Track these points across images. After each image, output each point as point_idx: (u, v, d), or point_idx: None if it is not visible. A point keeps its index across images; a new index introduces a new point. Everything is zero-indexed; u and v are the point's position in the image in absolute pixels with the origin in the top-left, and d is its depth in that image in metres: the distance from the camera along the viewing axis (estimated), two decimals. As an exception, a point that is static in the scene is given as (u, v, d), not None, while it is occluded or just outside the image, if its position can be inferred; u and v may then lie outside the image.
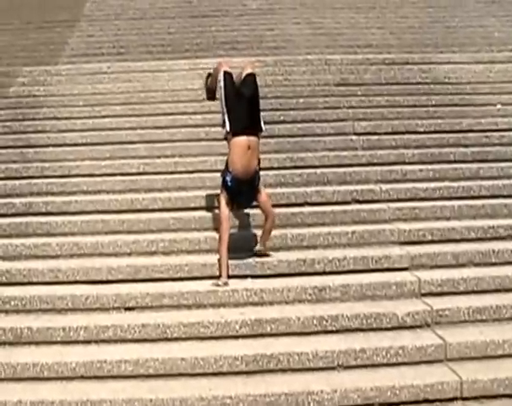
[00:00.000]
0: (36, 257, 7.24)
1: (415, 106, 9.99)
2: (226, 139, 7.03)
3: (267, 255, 7.06)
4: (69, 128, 9.62)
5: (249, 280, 6.81)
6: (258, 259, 7.01)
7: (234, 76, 7.19)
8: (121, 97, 10.30)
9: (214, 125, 8.76)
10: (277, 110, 9.75)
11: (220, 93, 7.05)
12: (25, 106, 10.28)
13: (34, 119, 9.90)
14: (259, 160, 6.99)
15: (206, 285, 6.66)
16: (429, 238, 7.42)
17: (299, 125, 9.46)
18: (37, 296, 6.54)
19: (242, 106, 6.91)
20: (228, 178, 6.75)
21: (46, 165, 8.81)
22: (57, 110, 10.06)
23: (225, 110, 6.92)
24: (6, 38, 14.33)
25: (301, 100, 10.03)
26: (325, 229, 7.49)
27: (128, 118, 9.73)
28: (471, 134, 9.35)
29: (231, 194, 6.77)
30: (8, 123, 9.79)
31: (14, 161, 8.95)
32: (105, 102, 10.18)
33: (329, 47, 12.99)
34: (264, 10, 15.51)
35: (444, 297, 6.61)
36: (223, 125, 6.97)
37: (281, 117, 9.59)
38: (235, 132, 6.82)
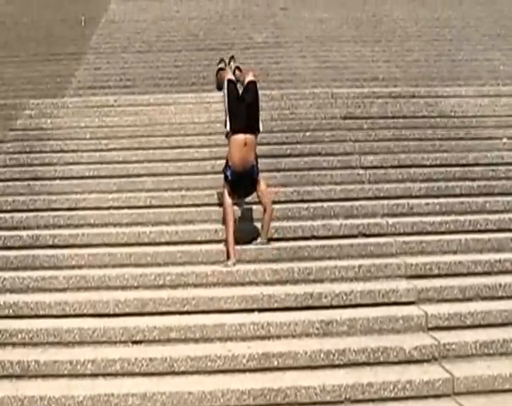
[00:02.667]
0: (43, 290, 7.23)
1: (421, 139, 10.05)
2: (227, 136, 7.91)
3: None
4: (76, 161, 9.68)
5: (256, 313, 6.82)
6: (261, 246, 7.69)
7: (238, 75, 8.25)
8: (128, 130, 10.36)
9: (220, 158, 8.78)
10: (283, 144, 9.83)
11: (224, 98, 7.93)
12: (32, 138, 10.33)
13: (41, 152, 9.95)
14: (256, 155, 7.80)
15: (213, 319, 6.66)
16: (436, 271, 7.42)
17: (306, 159, 9.51)
18: (44, 329, 6.55)
19: (243, 109, 7.77)
20: (228, 172, 7.59)
21: (53, 198, 8.85)
22: (64, 143, 10.12)
23: (227, 112, 7.82)
24: (13, 70, 14.51)
25: (307, 133, 10.09)
26: (332, 263, 7.50)
27: (134, 151, 9.79)
28: (477, 168, 9.38)
29: (232, 185, 7.57)
30: (15, 156, 9.85)
31: (21, 194, 9.00)
32: (112, 135, 10.24)
33: (335, 81, 13.14)
34: (270, 43, 15.72)
35: (451, 331, 6.60)
36: (225, 125, 7.86)
37: (288, 151, 9.66)
38: (234, 130, 7.68)
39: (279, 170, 9.26)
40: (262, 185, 7.77)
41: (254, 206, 8.30)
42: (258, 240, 7.82)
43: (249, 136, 7.68)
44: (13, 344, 6.48)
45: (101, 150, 9.87)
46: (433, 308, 6.83)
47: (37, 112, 11.06)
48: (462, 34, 16.46)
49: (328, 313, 6.78)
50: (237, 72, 8.64)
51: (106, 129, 10.41)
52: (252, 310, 6.86)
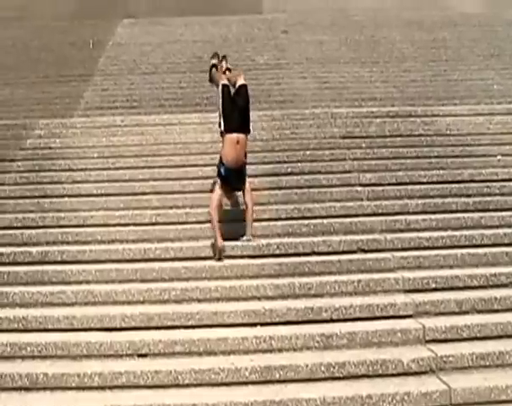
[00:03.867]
0: (52, 305, 7.35)
1: (418, 157, 10.20)
2: (221, 136, 8.42)
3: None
4: (84, 180, 9.86)
5: (258, 327, 6.95)
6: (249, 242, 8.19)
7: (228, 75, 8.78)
8: (134, 150, 10.54)
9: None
10: (284, 162, 10.02)
11: (218, 101, 8.48)
12: (42, 157, 10.51)
13: (50, 170, 10.13)
14: (246, 154, 8.40)
15: (217, 333, 6.79)
16: (433, 286, 7.51)
17: (306, 177, 9.68)
18: (53, 342, 6.66)
19: (235, 111, 8.33)
20: (222, 169, 8.18)
21: (62, 215, 9.01)
22: (73, 162, 10.29)
23: (221, 114, 8.36)
24: (23, 91, 14.69)
25: (307, 152, 10.26)
26: (332, 278, 7.62)
27: (141, 170, 9.96)
28: (472, 185, 9.53)
29: (224, 180, 8.17)
30: (25, 174, 10.04)
31: (31, 211, 9.16)
32: (118, 154, 10.42)
33: (334, 101, 13.28)
34: (271, 65, 15.88)
35: (448, 343, 6.69)
36: (219, 125, 8.41)
37: (289, 169, 9.84)
38: (227, 130, 8.24)
39: (280, 188, 9.45)
40: (247, 184, 8.33)
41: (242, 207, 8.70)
42: (244, 238, 8.27)
43: (241, 135, 8.26)
44: (23, 357, 6.60)
45: (109, 169, 10.05)
46: (430, 321, 6.93)
47: (46, 132, 11.26)
48: (457, 54, 16.59)
49: (328, 327, 6.89)
50: (228, 73, 8.98)
51: (113, 149, 10.59)
52: (254, 325, 6.98)
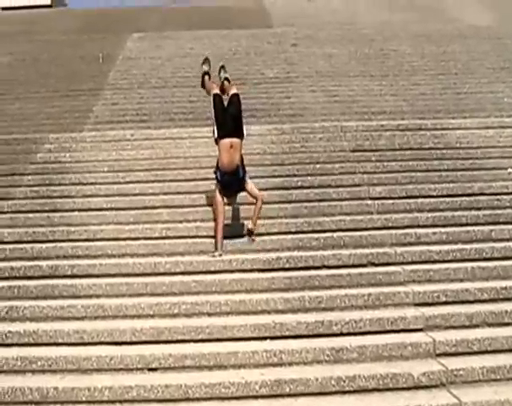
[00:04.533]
0: (62, 319, 7.36)
1: (428, 170, 10.23)
2: (215, 143, 8.68)
3: (253, 234, 8.51)
4: (94, 194, 9.91)
5: (268, 341, 6.95)
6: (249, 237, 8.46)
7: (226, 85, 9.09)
8: (144, 164, 10.60)
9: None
10: (294, 176, 10.06)
11: (211, 110, 8.78)
12: (52, 171, 10.57)
13: (60, 184, 10.19)
14: (242, 157, 8.61)
15: (227, 346, 6.79)
16: (443, 299, 7.51)
17: (316, 190, 9.71)
18: (63, 357, 6.67)
19: (228, 119, 8.65)
20: (218, 174, 8.49)
21: (72, 229, 9.05)
22: (83, 176, 10.35)
23: (214, 122, 8.67)
24: (33, 106, 14.74)
25: (317, 166, 10.30)
26: (342, 291, 7.62)
27: (151, 184, 10.01)
28: (482, 198, 9.55)
29: (223, 184, 8.45)
30: (35, 188, 10.09)
31: (41, 225, 9.20)
32: (128, 168, 10.48)
33: (344, 114, 13.29)
34: (281, 78, 15.88)
35: (459, 357, 6.67)
36: (213, 133, 8.71)
37: (299, 183, 9.88)
38: (221, 136, 8.54)
39: (290, 201, 9.48)
40: (249, 184, 8.59)
41: (241, 207, 9.03)
42: (250, 225, 8.54)
43: (235, 139, 8.54)
44: (33, 371, 6.61)
45: (119, 183, 10.11)
46: (440, 335, 6.92)
47: (56, 146, 11.35)
48: (467, 67, 16.57)
49: (338, 340, 6.88)
50: (226, 83, 9.19)
51: (123, 163, 10.66)
52: (264, 338, 6.98)
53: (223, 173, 8.47)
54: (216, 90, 8.96)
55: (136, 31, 20.75)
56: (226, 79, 9.27)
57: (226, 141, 8.52)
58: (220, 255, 8.22)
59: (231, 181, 8.46)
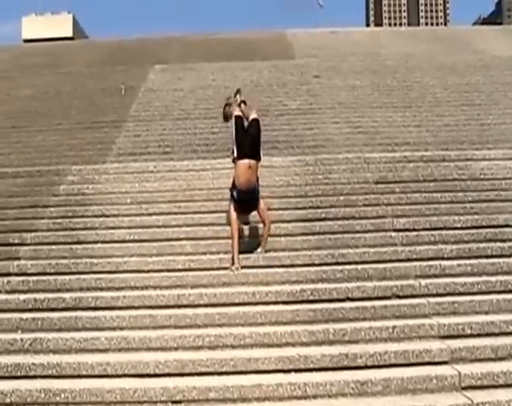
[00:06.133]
0: (86, 351, 7.36)
1: (452, 202, 10.17)
2: (233, 162, 9.05)
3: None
4: (117, 226, 9.93)
5: (293, 374, 6.90)
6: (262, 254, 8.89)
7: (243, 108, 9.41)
8: (167, 195, 10.61)
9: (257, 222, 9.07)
10: (318, 208, 10.04)
11: (232, 131, 9.15)
12: (75, 203, 10.63)
13: (83, 216, 10.23)
14: (258, 178, 9.00)
15: (251, 379, 6.76)
16: (468, 331, 7.44)
17: (340, 222, 9.68)
18: (87, 389, 6.67)
19: (247, 140, 8.98)
20: (234, 192, 8.81)
21: (95, 261, 9.06)
22: (106, 207, 10.40)
23: (234, 142, 9.01)
24: (55, 137, 14.97)
25: (341, 197, 10.28)
26: (367, 324, 7.56)
27: (174, 216, 10.02)
28: (507, 229, 9.46)
29: (237, 202, 8.77)
30: (58, 220, 10.14)
31: (64, 257, 9.23)
32: (152, 200, 10.50)
33: (367, 146, 13.34)
34: (303, 110, 15.99)
35: (484, 390, 6.60)
36: (232, 152, 9.05)
37: (322, 215, 9.85)
38: (239, 157, 8.88)
39: (313, 233, 9.45)
40: (262, 204, 8.97)
41: (256, 225, 9.36)
42: (259, 250, 8.97)
43: (253, 161, 8.90)
44: (57, 404, 6.61)
45: (142, 215, 10.13)
46: (466, 367, 6.86)
47: (79, 178, 11.41)
48: (491, 98, 16.60)
49: (363, 373, 6.83)
50: (243, 105, 9.50)
51: (147, 194, 10.69)
52: (289, 371, 6.94)
53: (239, 192, 8.77)
54: (238, 112, 9.29)
55: (157, 63, 21.02)
56: (243, 101, 9.58)
57: (245, 162, 8.83)
58: (238, 269, 8.48)
59: (246, 200, 8.78)
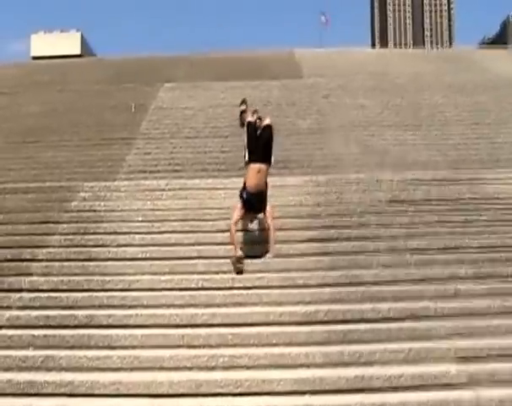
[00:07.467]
0: (98, 369, 7.31)
1: (466, 222, 10.12)
2: (245, 166, 9.58)
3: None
4: (129, 243, 9.89)
5: (308, 396, 6.84)
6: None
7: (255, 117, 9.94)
8: (179, 214, 10.58)
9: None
10: (331, 228, 9.99)
11: (244, 136, 9.77)
12: (87, 220, 10.59)
13: (95, 233, 10.19)
14: (267, 183, 9.41)
15: (266, 401, 6.71)
16: (486, 354, 7.36)
17: (353, 243, 9.63)
18: None
19: (259, 145, 9.50)
20: (244, 193, 9.22)
21: (107, 278, 9.02)
22: (117, 225, 10.37)
23: (246, 147, 9.59)
24: (66, 154, 14.95)
25: (354, 218, 10.25)
26: (382, 346, 7.50)
27: (186, 234, 9.98)
28: (523, 250, 9.36)
29: (246, 203, 9.18)
30: (70, 237, 10.09)
31: (76, 274, 9.19)
32: (163, 218, 10.46)
33: (378, 165, 13.28)
34: (313, 130, 15.98)
35: (503, 414, 6.51)
36: (244, 156, 9.63)
37: (335, 235, 9.81)
38: (251, 161, 9.39)
39: (327, 254, 9.39)
40: (268, 208, 9.36)
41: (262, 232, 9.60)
42: (268, 256, 9.25)
43: (263, 165, 9.38)
44: (69, 422, 6.53)
45: (153, 233, 10.08)
46: (483, 390, 6.79)
47: (91, 195, 11.39)
48: (500, 118, 16.62)
49: (379, 396, 6.78)
50: (255, 115, 10.04)
51: (158, 212, 10.66)
52: (304, 393, 6.88)
53: (248, 193, 9.19)
54: (251, 119, 9.87)
55: (166, 81, 21.06)
56: (255, 110, 10.17)
57: (256, 166, 9.31)
58: (240, 256, 8.87)
59: (254, 201, 9.21)
